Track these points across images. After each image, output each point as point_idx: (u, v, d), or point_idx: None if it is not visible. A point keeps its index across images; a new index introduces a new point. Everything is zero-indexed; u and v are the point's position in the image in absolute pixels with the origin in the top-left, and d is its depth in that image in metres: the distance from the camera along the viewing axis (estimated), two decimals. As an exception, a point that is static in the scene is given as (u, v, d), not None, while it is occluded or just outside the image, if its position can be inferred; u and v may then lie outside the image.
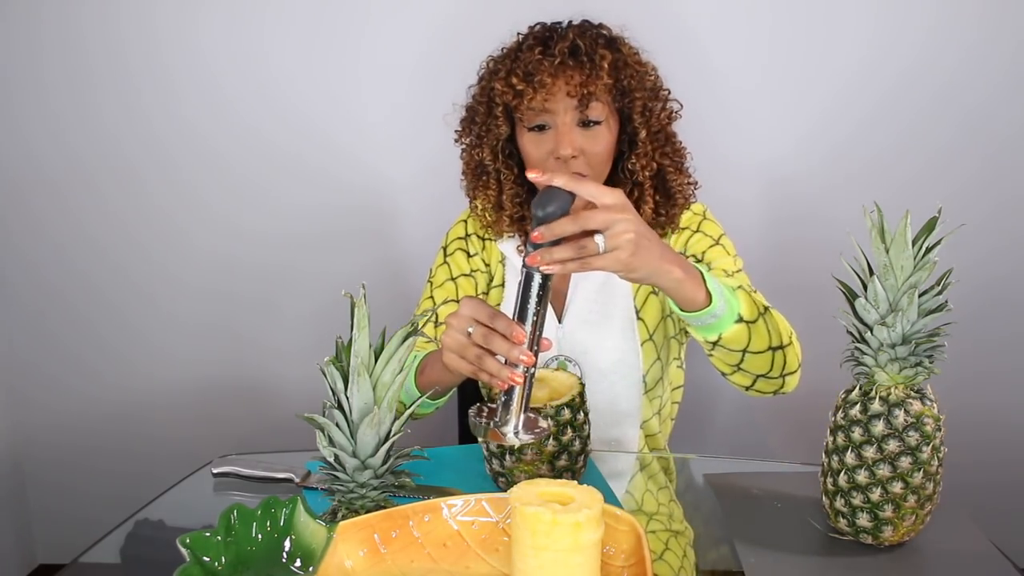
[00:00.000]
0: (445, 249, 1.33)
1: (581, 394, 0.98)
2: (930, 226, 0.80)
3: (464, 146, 1.27)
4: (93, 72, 1.77)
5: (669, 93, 1.22)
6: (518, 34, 1.21)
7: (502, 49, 1.22)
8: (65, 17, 1.74)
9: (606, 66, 1.13)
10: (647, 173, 1.18)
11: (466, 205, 1.34)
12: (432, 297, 1.28)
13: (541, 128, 1.15)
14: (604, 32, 1.19)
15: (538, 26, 1.21)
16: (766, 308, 1.00)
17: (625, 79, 1.15)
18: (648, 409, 1.25)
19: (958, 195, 1.67)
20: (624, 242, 0.78)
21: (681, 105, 1.24)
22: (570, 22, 1.20)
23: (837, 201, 1.68)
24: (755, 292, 1.08)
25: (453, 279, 1.28)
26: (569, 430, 0.95)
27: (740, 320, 0.93)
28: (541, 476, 0.93)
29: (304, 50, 1.74)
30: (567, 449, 0.95)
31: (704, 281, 0.89)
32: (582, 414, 0.97)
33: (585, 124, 1.13)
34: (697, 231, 1.23)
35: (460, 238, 1.32)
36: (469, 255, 1.31)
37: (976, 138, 1.67)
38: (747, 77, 1.68)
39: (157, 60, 1.76)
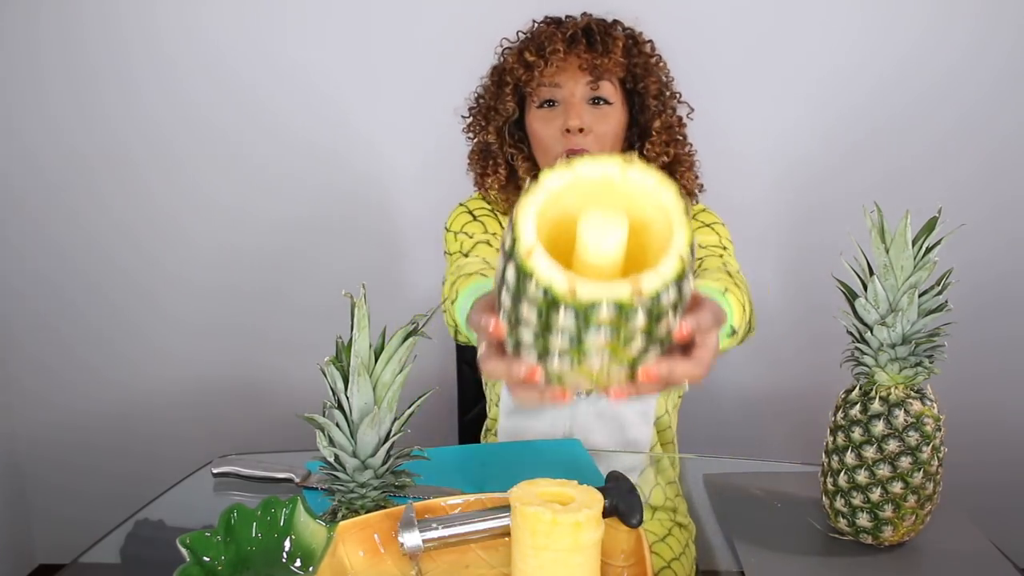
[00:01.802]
0: (468, 218, 1.22)
1: (691, 247, 0.54)
2: (930, 226, 0.80)
3: (472, 134, 1.26)
4: (93, 67, 1.77)
5: (680, 96, 1.23)
6: (533, 21, 1.22)
7: (517, 34, 1.23)
8: (65, 10, 1.74)
9: (620, 45, 1.14)
10: (663, 160, 1.17)
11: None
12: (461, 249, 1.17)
13: (551, 105, 1.15)
14: (619, 24, 1.21)
15: (553, 16, 1.23)
16: (746, 291, 0.97)
17: (638, 66, 1.16)
18: (661, 404, 1.24)
19: (958, 195, 1.67)
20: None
21: (692, 108, 1.24)
22: (584, 13, 1.22)
23: (837, 201, 1.69)
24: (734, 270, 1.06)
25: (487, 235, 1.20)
26: (670, 314, 0.54)
27: (733, 333, 0.91)
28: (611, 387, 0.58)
29: (311, 41, 1.73)
30: (659, 341, 0.55)
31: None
32: (689, 282, 0.54)
33: (595, 102, 1.14)
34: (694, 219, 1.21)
35: (468, 212, 1.25)
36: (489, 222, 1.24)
37: (977, 138, 1.67)
38: (750, 77, 1.68)
39: (159, 53, 1.75)
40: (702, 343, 0.58)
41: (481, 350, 0.63)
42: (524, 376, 0.59)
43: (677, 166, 1.19)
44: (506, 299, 0.56)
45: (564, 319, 0.53)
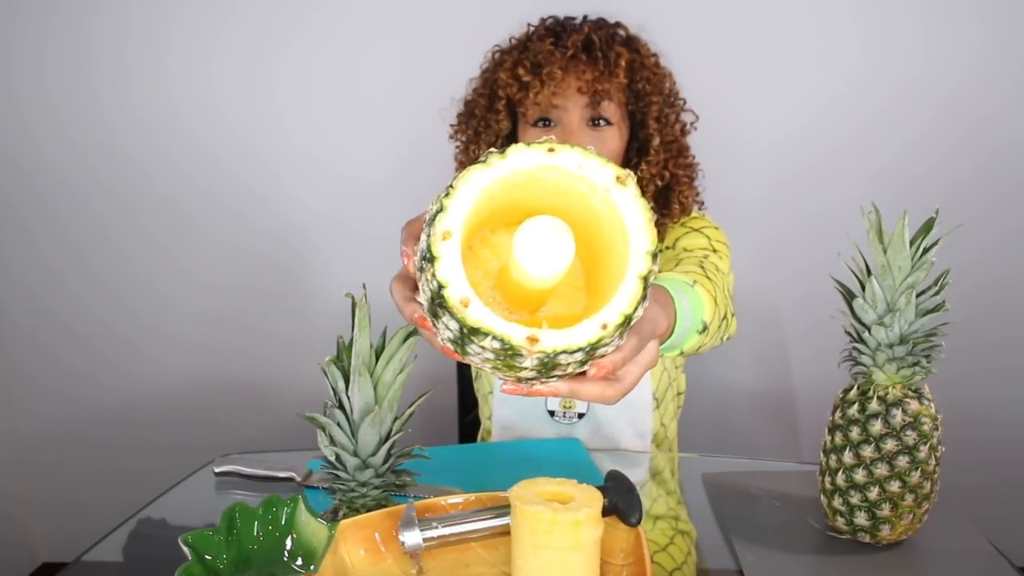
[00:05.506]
0: None
1: (653, 253, 0.49)
2: (927, 227, 0.80)
3: (460, 142, 1.22)
4: (96, 71, 1.77)
5: (684, 103, 1.18)
6: (528, 25, 1.16)
7: (510, 40, 1.17)
8: (73, 14, 1.75)
9: (623, 64, 1.07)
10: (658, 183, 1.12)
11: None
12: None
13: (546, 124, 1.10)
14: (621, 31, 1.14)
15: (550, 19, 1.16)
16: (721, 294, 0.88)
17: (641, 82, 1.10)
18: (657, 420, 1.23)
19: (956, 195, 1.68)
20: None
21: (697, 116, 1.20)
22: (585, 17, 1.15)
23: (839, 204, 1.69)
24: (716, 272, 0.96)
25: None
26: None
27: (704, 329, 0.82)
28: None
29: (313, 42, 1.74)
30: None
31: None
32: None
33: (595, 124, 1.09)
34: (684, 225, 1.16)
35: None
36: None
37: (975, 139, 1.68)
38: (751, 79, 1.68)
39: (161, 51, 1.76)
40: (624, 375, 0.57)
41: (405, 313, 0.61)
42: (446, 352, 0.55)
43: (675, 185, 1.14)
44: (445, 331, 0.51)
45: (527, 361, 0.49)
